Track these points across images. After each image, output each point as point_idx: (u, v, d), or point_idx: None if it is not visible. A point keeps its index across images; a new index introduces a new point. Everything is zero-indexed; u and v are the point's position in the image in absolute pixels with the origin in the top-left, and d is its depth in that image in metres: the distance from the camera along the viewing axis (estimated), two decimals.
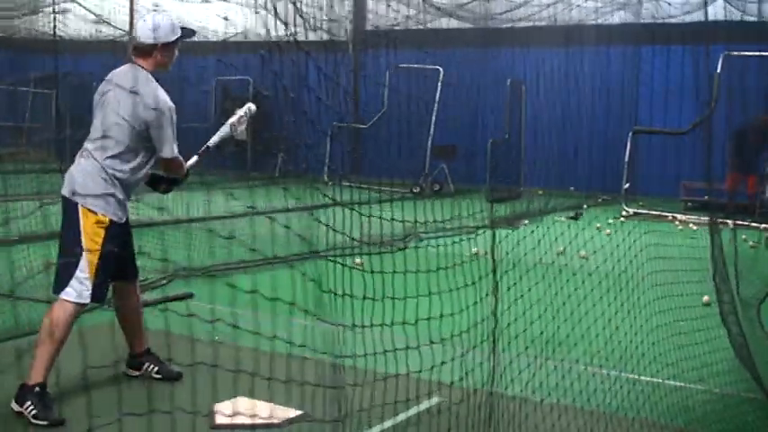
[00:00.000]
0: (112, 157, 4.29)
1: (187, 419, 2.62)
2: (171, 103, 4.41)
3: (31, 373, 4.07)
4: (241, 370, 2.99)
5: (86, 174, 4.28)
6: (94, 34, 17.44)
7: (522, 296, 4.83)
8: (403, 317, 4.08)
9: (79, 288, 4.19)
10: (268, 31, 3.78)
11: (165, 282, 6.20)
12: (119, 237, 4.32)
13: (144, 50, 4.45)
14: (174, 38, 4.51)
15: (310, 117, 4.09)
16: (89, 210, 4.22)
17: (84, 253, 4.19)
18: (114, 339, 4.69)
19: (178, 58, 4.63)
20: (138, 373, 4.77)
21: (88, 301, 4.25)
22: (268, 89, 17.96)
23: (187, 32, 4.65)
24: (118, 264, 4.43)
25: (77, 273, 4.19)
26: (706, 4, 11.08)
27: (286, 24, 3.74)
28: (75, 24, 16.91)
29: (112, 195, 4.26)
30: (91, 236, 4.22)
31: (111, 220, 4.25)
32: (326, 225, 3.75)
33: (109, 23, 16.35)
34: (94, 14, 16.83)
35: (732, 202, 14.25)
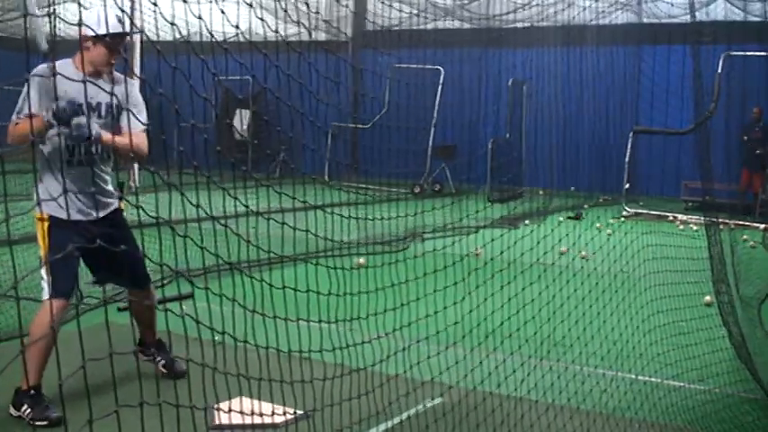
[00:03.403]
0: (40, 150, 4.27)
1: (187, 419, 2.62)
2: (41, 70, 4.22)
3: (24, 377, 4.07)
4: (241, 371, 2.98)
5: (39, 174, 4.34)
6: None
7: (516, 295, 4.82)
8: (408, 317, 4.09)
9: (44, 286, 4.26)
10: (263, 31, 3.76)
11: (165, 282, 6.20)
12: (68, 234, 4.01)
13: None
14: (98, 32, 4.18)
15: (311, 118, 4.09)
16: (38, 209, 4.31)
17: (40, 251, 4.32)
18: (114, 340, 4.67)
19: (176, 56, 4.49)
20: (146, 359, 4.84)
21: (46, 297, 4.17)
22: (268, 90, 17.95)
23: (116, 35, 4.25)
24: (102, 268, 4.44)
25: (41, 272, 4.27)
26: (693, 8, 11.09)
27: (286, 24, 3.74)
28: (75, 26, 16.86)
29: (47, 191, 4.22)
30: (40, 233, 4.29)
31: (50, 216, 4.17)
32: (316, 234, 3.75)
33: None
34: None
35: (741, 201, 14.29)
